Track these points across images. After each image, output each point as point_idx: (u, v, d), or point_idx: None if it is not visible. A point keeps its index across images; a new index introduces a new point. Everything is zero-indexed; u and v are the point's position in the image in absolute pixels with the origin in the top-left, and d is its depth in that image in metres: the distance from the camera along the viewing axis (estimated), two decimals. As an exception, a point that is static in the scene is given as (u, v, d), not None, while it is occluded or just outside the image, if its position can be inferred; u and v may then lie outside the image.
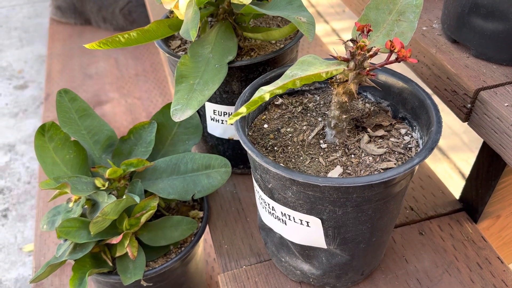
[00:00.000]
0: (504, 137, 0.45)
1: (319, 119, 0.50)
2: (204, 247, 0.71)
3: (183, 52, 0.60)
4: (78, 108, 0.61)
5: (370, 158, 0.44)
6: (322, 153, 0.46)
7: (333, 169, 0.44)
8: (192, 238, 0.59)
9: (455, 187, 1.20)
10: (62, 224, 0.51)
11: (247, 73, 0.56)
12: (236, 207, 0.64)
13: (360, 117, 0.49)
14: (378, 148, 0.45)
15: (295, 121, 0.50)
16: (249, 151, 0.41)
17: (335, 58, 0.42)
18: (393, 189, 0.42)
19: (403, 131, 0.48)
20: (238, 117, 0.37)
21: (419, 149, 0.46)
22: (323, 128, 0.48)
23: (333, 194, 0.40)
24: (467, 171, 1.24)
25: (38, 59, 1.72)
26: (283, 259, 0.53)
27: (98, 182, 0.56)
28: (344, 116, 0.45)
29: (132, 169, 0.57)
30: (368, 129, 0.47)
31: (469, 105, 0.49)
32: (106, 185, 0.56)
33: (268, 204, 0.47)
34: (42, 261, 0.79)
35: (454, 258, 0.56)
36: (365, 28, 0.41)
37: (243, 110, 0.36)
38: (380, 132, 0.47)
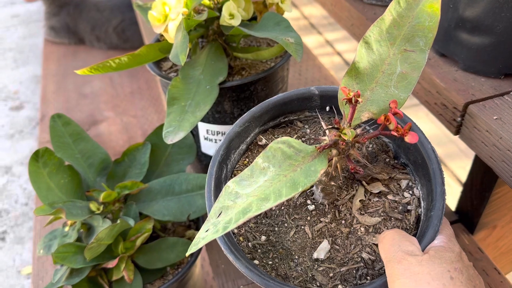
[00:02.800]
0: (494, 149, 0.46)
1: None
2: (202, 266, 0.71)
3: (175, 74, 0.60)
4: (72, 132, 0.61)
5: (363, 228, 0.39)
6: (309, 218, 0.40)
7: (320, 242, 0.39)
8: (189, 259, 0.59)
9: (454, 195, 1.20)
10: (58, 250, 0.51)
11: (239, 92, 0.56)
12: (232, 226, 0.64)
13: (356, 169, 0.41)
14: (371, 217, 0.39)
15: None
16: (231, 259, 0.36)
17: (317, 140, 0.36)
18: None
19: (403, 183, 0.41)
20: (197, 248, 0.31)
21: (420, 211, 0.39)
22: (311, 186, 0.41)
23: None
24: (465, 179, 1.24)
25: (33, 80, 1.73)
26: None
27: (93, 206, 0.56)
28: (332, 183, 0.39)
29: (127, 192, 0.57)
30: (363, 182, 0.41)
31: (459, 119, 0.49)
32: (101, 209, 0.56)
33: None
34: (40, 284, 0.78)
35: (452, 270, 0.56)
36: (353, 99, 0.34)
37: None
38: (377, 187, 0.41)
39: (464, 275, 0.30)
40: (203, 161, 0.66)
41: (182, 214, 0.57)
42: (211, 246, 0.62)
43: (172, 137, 0.50)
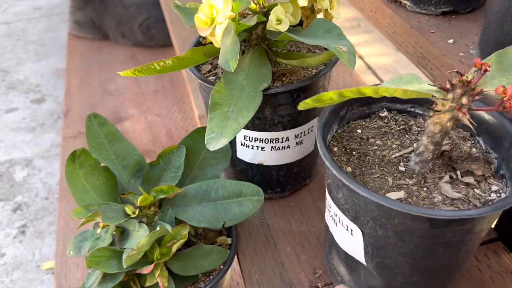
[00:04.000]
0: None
1: (415, 144, 0.46)
2: (232, 276, 0.70)
3: (214, 77, 0.59)
4: (107, 132, 0.60)
5: (440, 197, 0.41)
6: (395, 174, 0.44)
7: (397, 191, 0.42)
8: (221, 267, 0.58)
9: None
10: (93, 254, 0.50)
11: (281, 99, 0.55)
12: (265, 234, 0.63)
13: (456, 157, 0.45)
14: (454, 191, 0.41)
15: (389, 137, 0.48)
16: (318, 138, 0.44)
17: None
18: (442, 234, 0.39)
19: (494, 188, 0.43)
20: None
21: None
22: (410, 152, 0.46)
23: (375, 210, 0.39)
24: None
25: (54, 73, 1.73)
26: (331, 261, 0.53)
27: (129, 209, 0.55)
28: (432, 147, 0.42)
29: (163, 196, 0.56)
30: (458, 172, 0.43)
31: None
32: (137, 213, 0.55)
33: (327, 200, 0.48)
34: (63, 282, 0.78)
35: (493, 291, 0.55)
36: (483, 67, 0.38)
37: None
38: (468, 179, 0.43)
39: None
40: (237, 166, 0.65)
41: (218, 221, 0.55)
42: (244, 254, 0.60)
43: (214, 144, 0.49)
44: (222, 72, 0.58)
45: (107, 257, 0.51)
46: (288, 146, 0.60)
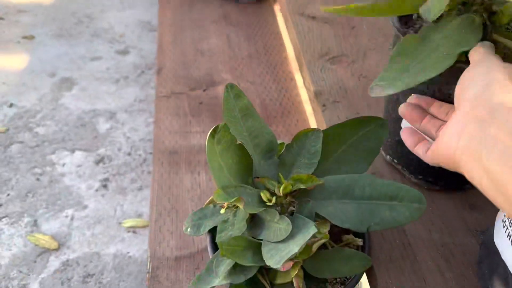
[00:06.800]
0: None
1: None
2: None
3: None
4: (242, 106, 0.54)
5: None
6: None
7: None
8: (355, 274, 0.52)
9: None
10: (229, 242, 0.45)
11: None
12: (402, 240, 0.56)
13: None
14: None
15: None
16: None
17: None
18: None
19: None
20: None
21: None
22: None
23: None
24: None
25: (139, 25, 1.69)
26: None
27: (264, 195, 0.49)
28: None
29: (301, 186, 0.50)
30: None
31: None
32: (273, 201, 0.49)
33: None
34: (157, 250, 0.75)
35: None
36: None
37: None
38: None
39: None
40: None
41: (362, 223, 0.49)
42: (378, 260, 0.54)
43: (379, 91, 0.45)
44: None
45: (242, 247, 0.46)
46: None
